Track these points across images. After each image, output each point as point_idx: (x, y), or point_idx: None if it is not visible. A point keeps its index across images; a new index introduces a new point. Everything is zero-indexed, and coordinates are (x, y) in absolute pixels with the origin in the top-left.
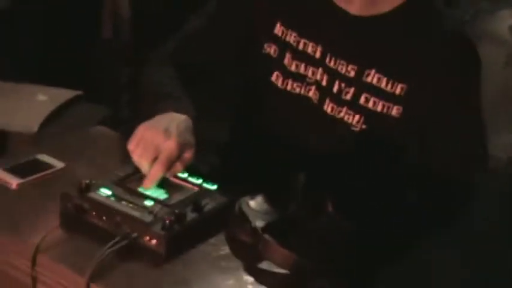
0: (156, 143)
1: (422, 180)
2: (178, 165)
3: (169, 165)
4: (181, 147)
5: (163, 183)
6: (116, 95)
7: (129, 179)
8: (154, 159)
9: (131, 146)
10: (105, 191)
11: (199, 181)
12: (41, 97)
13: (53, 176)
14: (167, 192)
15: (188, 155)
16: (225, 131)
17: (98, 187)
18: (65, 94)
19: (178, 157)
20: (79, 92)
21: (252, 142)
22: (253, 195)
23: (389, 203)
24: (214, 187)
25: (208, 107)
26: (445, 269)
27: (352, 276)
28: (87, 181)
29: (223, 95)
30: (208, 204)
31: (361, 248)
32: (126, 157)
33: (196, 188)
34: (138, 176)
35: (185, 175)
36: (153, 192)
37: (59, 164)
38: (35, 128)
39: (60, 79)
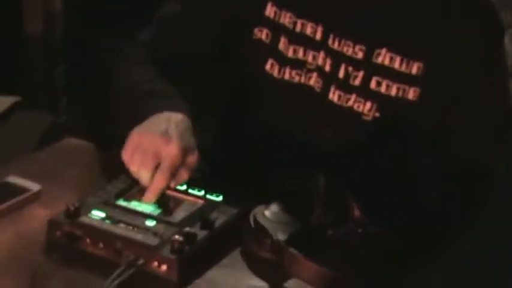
0: (155, 148)
1: (444, 172)
2: (184, 173)
3: (173, 173)
4: (184, 152)
5: (161, 198)
6: (53, 99)
7: (123, 196)
8: (155, 167)
9: (126, 155)
10: (98, 214)
11: (202, 192)
12: None
13: (30, 201)
14: (168, 208)
15: (192, 159)
16: (214, 132)
17: (88, 209)
18: (1, 101)
19: (182, 163)
20: (17, 98)
21: (249, 143)
22: (267, 204)
23: (413, 202)
24: (220, 198)
25: (194, 106)
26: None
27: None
28: (76, 203)
29: (210, 91)
30: (218, 219)
31: (394, 256)
32: (114, 171)
33: (200, 201)
34: (133, 191)
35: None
36: (152, 209)
37: (34, 187)
38: None
39: None
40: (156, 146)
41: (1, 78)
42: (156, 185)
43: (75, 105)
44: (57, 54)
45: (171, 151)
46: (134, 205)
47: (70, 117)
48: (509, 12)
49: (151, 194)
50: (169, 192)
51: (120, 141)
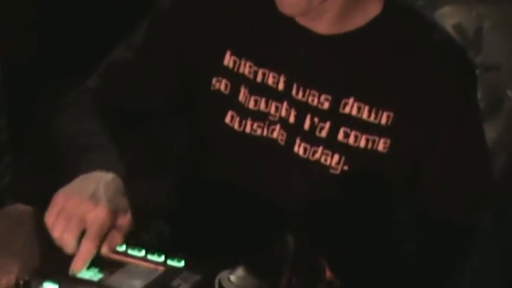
0: (80, 213)
1: (419, 226)
2: (117, 236)
3: (101, 239)
4: (113, 215)
5: (117, 265)
6: None
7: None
8: (81, 233)
9: (49, 219)
10: (51, 286)
11: (162, 258)
12: None
13: None
14: (125, 276)
15: (124, 221)
16: (167, 189)
17: (40, 283)
18: None
19: (111, 227)
20: None
21: (210, 200)
22: (232, 268)
23: (390, 260)
24: (182, 263)
25: (144, 161)
26: None
27: None
28: (25, 276)
29: (162, 145)
30: (181, 286)
31: None
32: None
33: (160, 268)
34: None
35: (123, 248)
36: (93, 274)
37: None
38: None
39: None
40: (81, 210)
41: None
42: (83, 253)
43: (19, 165)
44: None
45: (98, 215)
46: (101, 266)
47: (13, 179)
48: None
49: (80, 263)
50: (126, 258)
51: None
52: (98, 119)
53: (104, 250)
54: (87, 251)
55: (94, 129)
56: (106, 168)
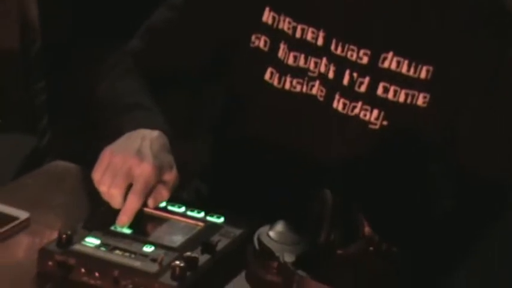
0: (127, 168)
1: (457, 182)
2: (163, 191)
3: (147, 194)
4: (159, 170)
5: (158, 221)
6: (33, 119)
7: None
8: (128, 188)
9: (96, 175)
10: (92, 240)
11: (201, 214)
12: None
13: (18, 230)
14: (165, 232)
15: (170, 177)
16: (210, 149)
17: (82, 237)
18: None
19: (157, 183)
20: None
21: (248, 159)
22: (271, 224)
23: (427, 216)
24: (221, 220)
25: (183, 122)
26: None
27: None
28: (67, 231)
29: (203, 104)
30: (220, 242)
31: (408, 274)
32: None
33: (200, 224)
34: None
35: (164, 204)
36: (148, 233)
37: (22, 215)
38: None
39: None
40: (127, 165)
41: None
42: (129, 207)
43: (58, 124)
44: (35, 71)
45: (143, 170)
46: (142, 222)
47: (53, 138)
48: None
49: (125, 217)
50: (167, 214)
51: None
52: (140, 80)
53: (150, 204)
54: (132, 205)
55: (137, 89)
56: (151, 126)
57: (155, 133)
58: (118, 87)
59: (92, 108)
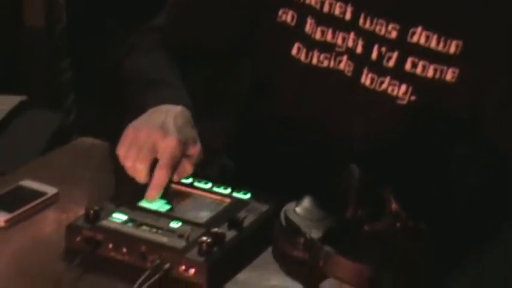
0: (151, 142)
1: (484, 161)
2: (187, 166)
3: (173, 169)
4: (184, 144)
5: (184, 197)
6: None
7: (145, 197)
8: (153, 163)
9: (121, 150)
10: (120, 216)
11: (228, 190)
12: None
13: (46, 206)
14: (192, 208)
15: (194, 151)
16: (236, 125)
17: (109, 212)
18: (6, 101)
19: (182, 157)
20: (23, 97)
21: (275, 135)
22: (298, 200)
23: (453, 194)
24: (248, 196)
25: (211, 97)
26: None
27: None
28: (95, 207)
29: (228, 81)
30: (247, 218)
31: (435, 251)
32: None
33: (227, 200)
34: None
35: (190, 180)
36: (160, 205)
37: (50, 190)
38: None
39: None
40: (152, 140)
41: (2, 76)
42: (157, 181)
43: (83, 101)
44: (61, 48)
45: (168, 144)
46: (169, 198)
47: (78, 115)
48: None
49: (154, 191)
50: (193, 190)
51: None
52: (165, 56)
53: (174, 179)
54: (160, 179)
55: (161, 64)
56: (174, 101)
57: (178, 108)
58: (142, 63)
59: (118, 85)
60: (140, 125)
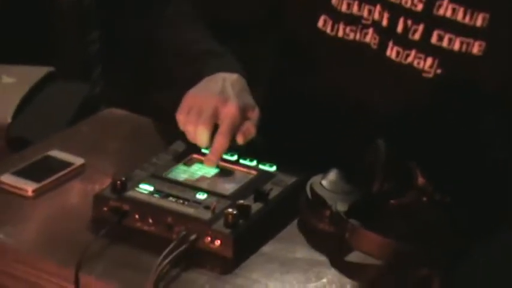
0: (212, 108)
1: (509, 135)
2: (251, 127)
3: (233, 134)
4: (243, 110)
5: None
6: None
7: (171, 169)
8: (214, 128)
9: (180, 116)
10: (146, 187)
11: (254, 163)
12: (7, 79)
13: (73, 176)
14: (218, 179)
15: (254, 114)
16: (262, 98)
17: (136, 183)
18: (34, 72)
19: (244, 119)
20: (51, 68)
21: (301, 107)
22: (324, 173)
23: (480, 167)
24: (274, 168)
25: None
26: None
27: (456, 259)
28: (122, 177)
29: (256, 55)
30: (273, 190)
31: (462, 225)
32: (160, 142)
33: (253, 172)
34: (182, 163)
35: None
36: (201, 180)
37: (77, 160)
38: (8, 119)
39: (15, 53)
40: (213, 105)
41: (31, 47)
42: (217, 147)
43: (110, 73)
44: (89, 20)
45: (229, 110)
46: (183, 177)
47: (106, 87)
48: None
49: (214, 156)
50: (220, 162)
51: (173, 106)
52: (203, 27)
53: (240, 140)
54: (220, 145)
55: (208, 35)
56: (230, 69)
57: (234, 76)
58: (188, 35)
59: (147, 56)
60: (199, 91)
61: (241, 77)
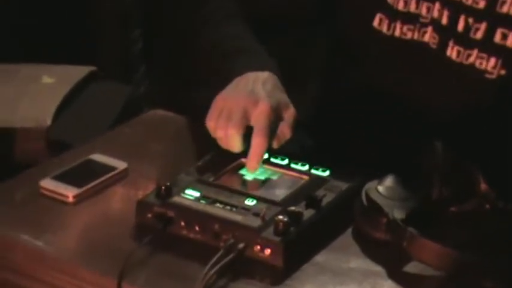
0: (243, 110)
1: None
2: (285, 129)
3: (270, 134)
4: (276, 109)
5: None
6: (129, 67)
7: (218, 173)
8: (246, 130)
9: (210, 122)
10: (192, 193)
11: (306, 167)
12: (47, 79)
13: (116, 181)
14: (268, 185)
15: (290, 113)
16: (313, 100)
17: (181, 189)
18: (75, 72)
19: (277, 122)
20: (92, 68)
21: (355, 110)
22: (380, 179)
23: None
24: (327, 173)
25: (289, 70)
26: None
27: None
28: (167, 182)
29: (307, 53)
30: (326, 196)
31: None
32: (208, 145)
33: (304, 177)
34: (230, 167)
35: (266, 156)
36: (251, 186)
37: (120, 165)
38: (48, 121)
39: (56, 52)
40: (242, 107)
41: (72, 46)
42: (255, 149)
43: (154, 73)
44: (131, 19)
45: (262, 110)
46: (231, 183)
47: (149, 87)
48: None
49: (254, 160)
50: (269, 167)
51: (203, 108)
52: (242, 23)
53: (274, 145)
54: (259, 147)
55: (242, 32)
56: (260, 67)
57: (265, 74)
58: (222, 33)
59: (190, 56)
60: (228, 94)
61: (273, 75)
